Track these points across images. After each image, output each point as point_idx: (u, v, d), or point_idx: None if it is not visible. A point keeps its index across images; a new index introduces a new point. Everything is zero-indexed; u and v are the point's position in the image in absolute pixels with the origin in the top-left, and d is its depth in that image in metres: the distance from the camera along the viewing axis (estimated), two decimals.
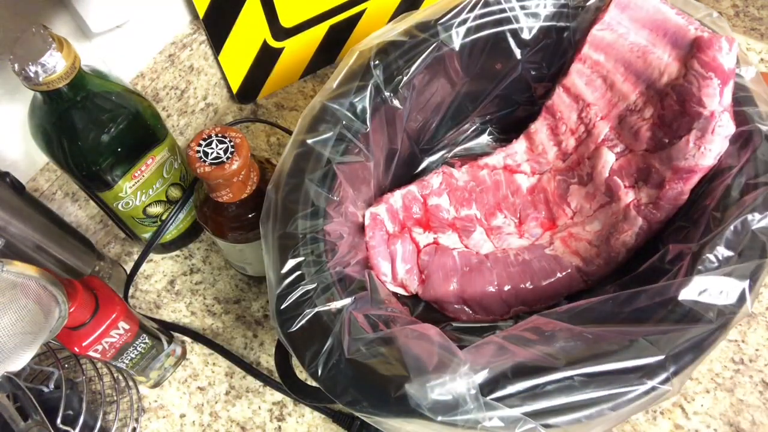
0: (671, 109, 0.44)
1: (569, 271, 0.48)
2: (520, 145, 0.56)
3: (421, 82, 0.47)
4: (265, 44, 0.64)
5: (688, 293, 0.35)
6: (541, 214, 0.53)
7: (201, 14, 0.58)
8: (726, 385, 0.51)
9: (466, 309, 0.49)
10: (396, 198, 0.51)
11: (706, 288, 0.35)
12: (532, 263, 0.49)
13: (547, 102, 0.53)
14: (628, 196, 0.47)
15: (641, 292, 0.36)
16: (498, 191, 0.54)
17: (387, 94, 0.45)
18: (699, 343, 0.33)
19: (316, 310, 0.36)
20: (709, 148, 0.41)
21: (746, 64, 0.42)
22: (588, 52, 0.48)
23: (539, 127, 0.54)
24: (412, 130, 0.51)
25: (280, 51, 0.66)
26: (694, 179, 0.42)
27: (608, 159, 0.49)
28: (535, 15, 0.48)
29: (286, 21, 0.63)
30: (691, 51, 0.42)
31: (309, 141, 0.42)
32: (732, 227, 0.36)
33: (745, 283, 0.34)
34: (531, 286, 0.48)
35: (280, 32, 0.64)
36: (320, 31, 0.66)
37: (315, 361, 0.35)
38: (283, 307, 0.37)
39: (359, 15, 0.67)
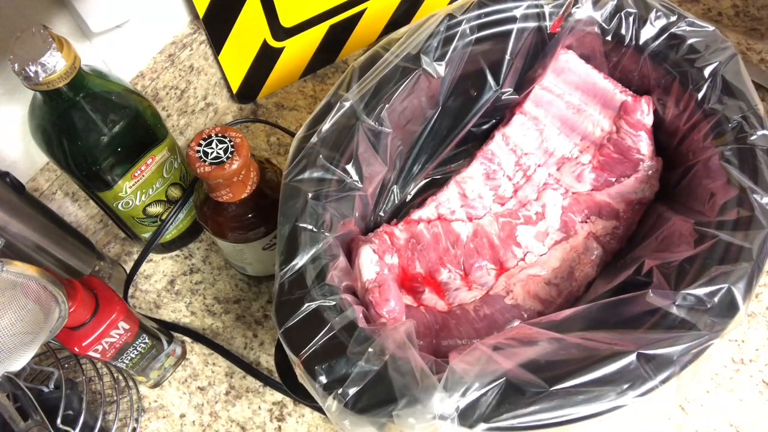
0: (610, 156, 0.51)
1: (531, 316, 0.47)
2: (451, 192, 0.54)
3: (399, 108, 0.46)
4: (265, 44, 0.64)
5: (679, 302, 0.35)
6: (485, 260, 0.51)
7: (201, 14, 0.58)
8: (726, 385, 0.51)
9: None
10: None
11: (698, 298, 0.35)
12: (495, 317, 0.48)
13: (483, 147, 0.55)
14: (584, 229, 0.50)
15: (629, 300, 0.36)
16: (438, 245, 0.51)
17: (364, 117, 0.44)
18: (695, 357, 0.33)
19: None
20: (656, 184, 0.49)
21: None
22: (529, 108, 0.53)
23: (473, 173, 0.54)
24: (391, 159, 0.49)
25: (280, 51, 0.66)
26: (643, 209, 0.50)
27: (557, 199, 0.52)
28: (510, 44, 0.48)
29: (286, 21, 0.63)
30: (619, 112, 0.51)
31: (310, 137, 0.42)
32: (715, 240, 0.37)
33: (740, 289, 0.35)
34: None
35: (280, 32, 0.64)
36: (320, 30, 0.66)
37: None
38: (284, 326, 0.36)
39: (359, 15, 0.67)
